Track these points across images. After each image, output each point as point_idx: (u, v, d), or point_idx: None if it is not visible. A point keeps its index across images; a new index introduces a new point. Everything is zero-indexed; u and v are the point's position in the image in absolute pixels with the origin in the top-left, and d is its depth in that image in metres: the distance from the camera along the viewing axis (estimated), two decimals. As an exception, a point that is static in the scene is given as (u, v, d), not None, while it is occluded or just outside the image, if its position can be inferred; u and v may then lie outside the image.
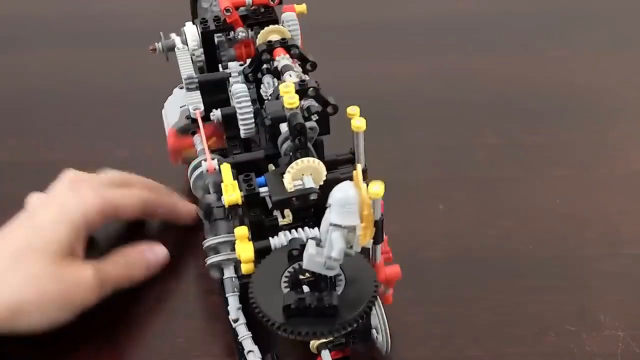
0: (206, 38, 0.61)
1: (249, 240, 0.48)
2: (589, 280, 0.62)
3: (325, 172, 0.49)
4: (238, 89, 0.54)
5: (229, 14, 0.60)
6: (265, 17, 0.61)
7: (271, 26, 0.59)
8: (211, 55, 0.62)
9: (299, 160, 0.48)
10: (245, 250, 0.47)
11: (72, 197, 0.59)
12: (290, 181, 0.48)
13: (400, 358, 0.58)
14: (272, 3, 0.61)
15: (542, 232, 0.66)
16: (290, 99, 0.48)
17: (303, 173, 0.48)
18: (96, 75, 0.91)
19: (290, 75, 0.54)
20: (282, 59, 0.56)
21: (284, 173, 0.48)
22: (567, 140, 0.76)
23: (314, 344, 0.52)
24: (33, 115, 0.84)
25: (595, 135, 0.77)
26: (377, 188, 0.41)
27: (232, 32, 0.62)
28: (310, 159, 0.48)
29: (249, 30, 0.62)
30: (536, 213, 0.68)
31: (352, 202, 0.41)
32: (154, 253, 0.62)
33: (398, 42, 0.96)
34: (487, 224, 0.67)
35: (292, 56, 0.56)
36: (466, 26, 0.98)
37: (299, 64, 0.57)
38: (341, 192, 0.41)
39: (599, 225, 0.67)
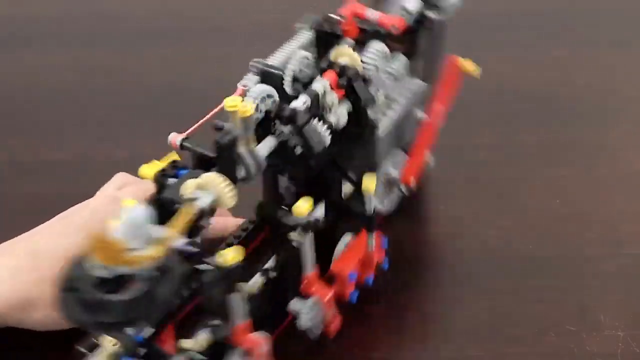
0: (318, 36, 0.60)
1: None
2: (589, 280, 0.62)
3: (229, 200, 0.46)
4: (257, 88, 0.53)
5: (342, 20, 0.59)
6: (371, 37, 0.59)
7: (344, 48, 0.56)
8: (321, 54, 0.60)
9: (202, 174, 0.46)
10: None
11: (108, 204, 0.60)
12: (191, 187, 0.46)
13: (400, 358, 0.58)
14: (394, 31, 0.59)
15: (542, 232, 0.66)
16: (231, 101, 0.47)
17: (205, 186, 0.46)
18: (96, 75, 0.91)
19: (298, 98, 0.52)
20: (319, 81, 0.54)
21: None
22: (567, 140, 0.76)
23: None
24: (33, 115, 0.84)
25: (595, 135, 0.77)
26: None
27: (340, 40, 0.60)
28: (216, 178, 0.46)
29: (356, 43, 0.59)
30: (536, 213, 0.68)
31: (141, 227, 0.40)
32: None
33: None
34: (487, 224, 0.67)
35: (338, 85, 0.54)
36: (466, 26, 0.98)
37: (344, 97, 0.55)
38: (134, 217, 0.40)
39: (599, 225, 0.67)
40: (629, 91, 0.84)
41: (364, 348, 0.58)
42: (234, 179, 0.48)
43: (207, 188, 0.46)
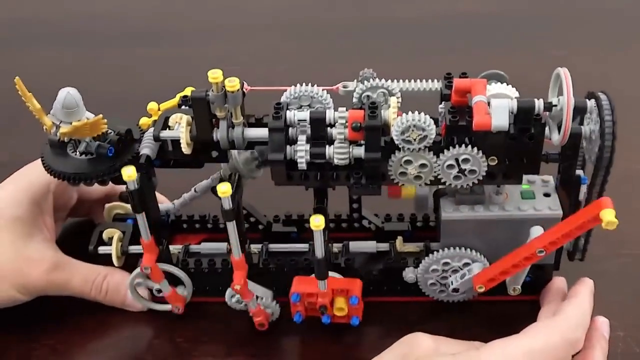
0: (442, 96, 0.57)
1: None
2: (589, 280, 0.62)
3: (184, 145, 0.55)
4: (301, 115, 0.53)
5: (449, 90, 0.55)
6: (454, 118, 0.53)
7: (395, 101, 0.54)
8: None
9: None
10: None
11: (29, 170, 0.62)
12: (175, 118, 0.56)
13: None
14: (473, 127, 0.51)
15: (542, 232, 0.66)
16: (213, 73, 0.52)
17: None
18: (96, 75, 0.91)
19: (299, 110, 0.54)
20: (338, 112, 0.53)
21: None
22: (567, 140, 0.76)
23: None
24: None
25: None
26: None
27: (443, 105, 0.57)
28: (185, 120, 0.55)
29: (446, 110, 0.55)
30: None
31: (74, 106, 0.54)
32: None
33: (398, 42, 0.96)
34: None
35: (352, 126, 0.52)
36: (466, 26, 0.98)
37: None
38: (65, 98, 0.54)
39: (599, 226, 0.67)
40: (629, 91, 0.83)
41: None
42: (206, 132, 0.54)
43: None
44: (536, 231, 0.55)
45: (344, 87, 0.57)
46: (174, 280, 0.60)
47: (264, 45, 0.97)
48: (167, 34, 1.00)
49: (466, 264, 0.58)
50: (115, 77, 0.91)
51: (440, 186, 0.57)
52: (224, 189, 0.52)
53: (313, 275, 0.57)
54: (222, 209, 0.53)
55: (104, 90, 0.87)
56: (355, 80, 0.57)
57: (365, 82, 0.56)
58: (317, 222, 0.52)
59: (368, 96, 0.56)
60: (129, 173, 0.53)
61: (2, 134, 0.82)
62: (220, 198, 0.53)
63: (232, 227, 0.54)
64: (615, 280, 0.62)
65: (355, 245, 0.61)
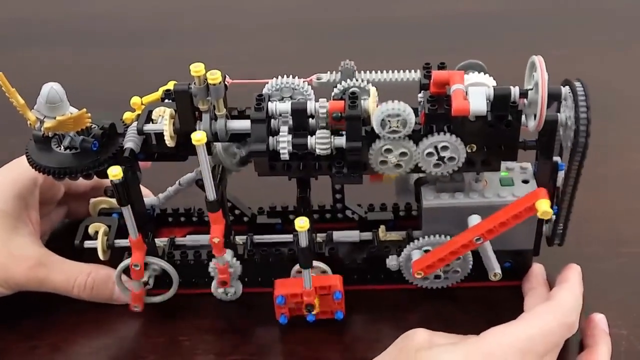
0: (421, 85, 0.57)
1: None
2: (589, 279, 0.62)
3: (168, 138, 0.55)
4: (282, 107, 0.54)
5: (428, 80, 0.55)
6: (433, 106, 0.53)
7: (374, 92, 0.55)
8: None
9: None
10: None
11: (16, 164, 0.62)
12: (159, 111, 0.56)
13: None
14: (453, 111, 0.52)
15: (542, 231, 0.66)
16: (195, 67, 0.52)
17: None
18: (96, 75, 0.91)
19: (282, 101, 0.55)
20: (320, 103, 0.54)
21: None
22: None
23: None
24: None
25: (595, 135, 0.77)
26: None
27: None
28: (168, 113, 0.55)
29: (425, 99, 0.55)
30: (536, 213, 0.68)
31: (57, 101, 0.54)
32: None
33: (398, 42, 0.96)
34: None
35: (332, 116, 0.54)
36: (466, 26, 0.98)
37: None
38: (49, 93, 0.54)
39: (598, 225, 0.67)
40: (630, 91, 0.84)
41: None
42: (189, 125, 0.54)
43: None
44: (474, 219, 0.56)
45: (318, 78, 0.58)
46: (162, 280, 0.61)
47: (264, 45, 0.97)
48: (167, 34, 1.01)
49: None
50: (115, 77, 0.91)
51: (420, 174, 0.58)
52: (199, 137, 0.51)
53: (293, 277, 0.59)
54: (207, 200, 0.54)
55: (104, 90, 0.87)
56: (329, 72, 0.58)
57: (349, 80, 0.56)
58: (301, 224, 0.53)
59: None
60: (115, 172, 0.53)
61: (2, 134, 0.82)
62: (203, 190, 0.54)
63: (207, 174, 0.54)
64: (616, 279, 0.63)
65: (339, 235, 0.62)
